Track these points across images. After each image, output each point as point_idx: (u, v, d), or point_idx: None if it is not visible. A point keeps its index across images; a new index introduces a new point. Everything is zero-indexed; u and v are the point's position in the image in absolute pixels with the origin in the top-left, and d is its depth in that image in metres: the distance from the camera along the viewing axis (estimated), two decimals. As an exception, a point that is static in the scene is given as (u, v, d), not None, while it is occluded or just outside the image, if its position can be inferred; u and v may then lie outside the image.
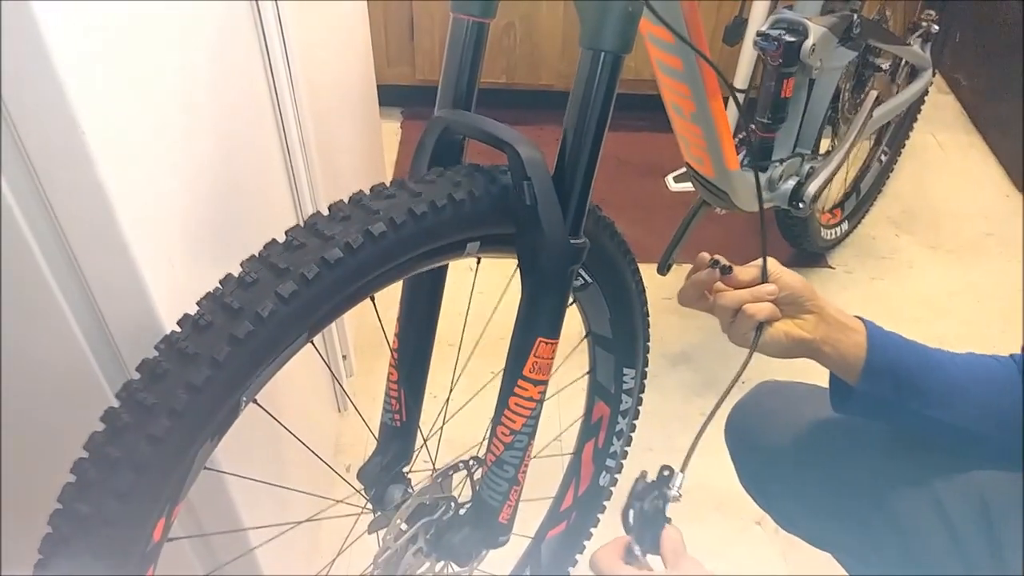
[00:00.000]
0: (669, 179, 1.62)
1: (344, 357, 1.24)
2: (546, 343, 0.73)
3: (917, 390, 0.73)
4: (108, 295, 0.59)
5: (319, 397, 1.18)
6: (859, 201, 1.81)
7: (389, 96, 1.93)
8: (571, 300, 0.92)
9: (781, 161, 1.24)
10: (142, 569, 0.57)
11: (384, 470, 0.85)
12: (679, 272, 1.78)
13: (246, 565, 0.80)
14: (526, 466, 0.78)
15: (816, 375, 0.83)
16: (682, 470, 0.73)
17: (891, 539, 0.78)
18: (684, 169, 1.48)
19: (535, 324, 0.72)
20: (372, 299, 0.68)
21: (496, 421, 0.76)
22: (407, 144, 2.06)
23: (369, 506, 0.84)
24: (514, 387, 0.74)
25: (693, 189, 1.43)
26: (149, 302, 0.59)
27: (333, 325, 1.20)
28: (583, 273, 0.86)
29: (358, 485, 0.84)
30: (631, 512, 0.71)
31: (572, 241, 0.69)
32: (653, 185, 1.69)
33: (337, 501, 0.79)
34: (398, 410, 0.84)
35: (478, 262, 0.78)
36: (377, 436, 0.86)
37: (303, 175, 0.97)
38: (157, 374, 0.54)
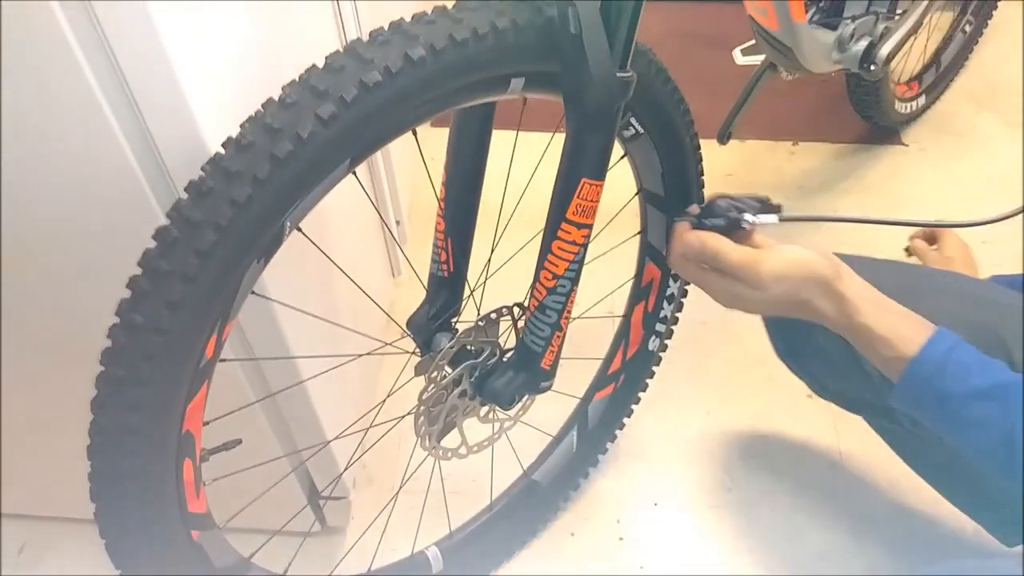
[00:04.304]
0: (736, 52, 1.54)
1: (398, 223, 1.25)
2: (591, 184, 0.71)
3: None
4: (158, 120, 0.60)
5: (373, 262, 1.20)
6: (939, 74, 1.71)
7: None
8: (622, 153, 0.91)
9: (853, 18, 1.17)
10: (198, 383, 0.60)
11: (432, 319, 0.86)
12: (739, 147, 1.73)
13: (299, 401, 0.84)
14: (569, 312, 0.78)
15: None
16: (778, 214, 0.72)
17: None
18: (753, 41, 1.41)
19: (580, 165, 0.71)
20: (414, 133, 0.68)
21: (539, 266, 0.76)
22: None
23: (417, 351, 0.86)
24: (558, 230, 0.73)
25: (761, 62, 1.36)
26: (195, 125, 0.60)
27: (387, 190, 1.20)
28: (633, 122, 0.84)
29: (407, 332, 0.86)
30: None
31: (619, 74, 0.67)
32: (720, 59, 1.60)
33: (385, 343, 0.81)
34: (445, 260, 0.85)
35: (523, 104, 0.76)
36: (426, 287, 0.87)
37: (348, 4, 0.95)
38: (203, 192, 0.55)
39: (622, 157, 0.90)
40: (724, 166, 1.66)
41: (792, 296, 0.69)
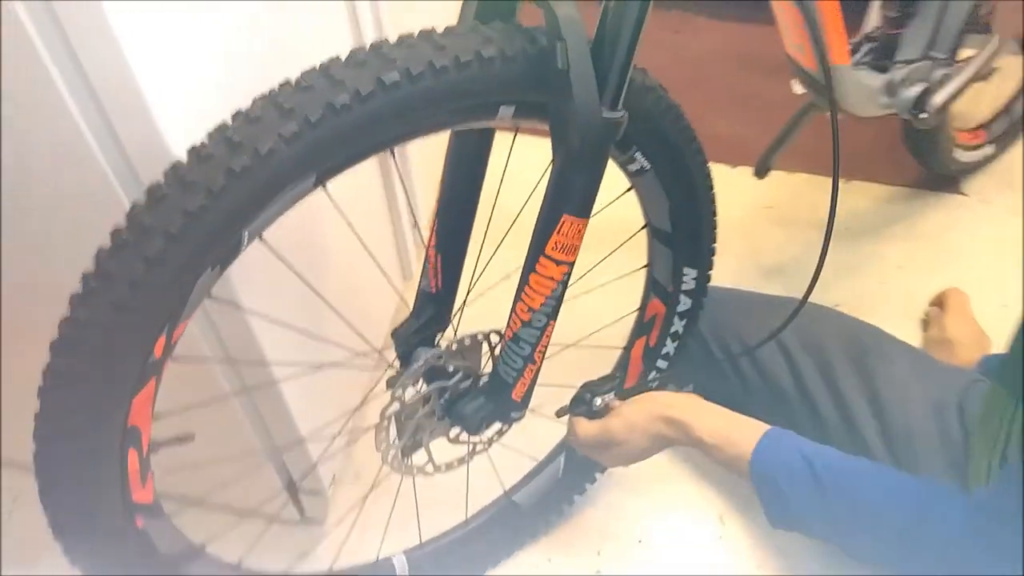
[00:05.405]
0: (795, 81, 1.49)
1: (415, 225, 1.24)
2: (573, 221, 0.69)
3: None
4: (126, 124, 0.61)
5: (385, 262, 1.20)
6: (1011, 123, 1.61)
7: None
8: (628, 186, 0.88)
9: (907, 63, 1.11)
10: (144, 379, 0.61)
11: (415, 333, 0.86)
12: (779, 178, 1.66)
13: (272, 398, 0.84)
14: (544, 347, 0.77)
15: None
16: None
17: (760, 384, 1.01)
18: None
19: (562, 200, 0.69)
20: (392, 153, 0.67)
21: (517, 296, 0.74)
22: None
23: (396, 364, 0.86)
24: (536, 264, 0.72)
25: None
26: (155, 126, 0.61)
27: (403, 192, 1.20)
28: (639, 157, 0.81)
29: (388, 343, 0.86)
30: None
31: (606, 114, 0.64)
32: (777, 85, 1.55)
33: (356, 354, 0.80)
34: (434, 276, 0.84)
35: (515, 134, 0.75)
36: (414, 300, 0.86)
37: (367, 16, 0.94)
38: (158, 198, 0.56)
39: (628, 189, 0.88)
40: (765, 198, 1.60)
41: (648, 436, 0.83)
